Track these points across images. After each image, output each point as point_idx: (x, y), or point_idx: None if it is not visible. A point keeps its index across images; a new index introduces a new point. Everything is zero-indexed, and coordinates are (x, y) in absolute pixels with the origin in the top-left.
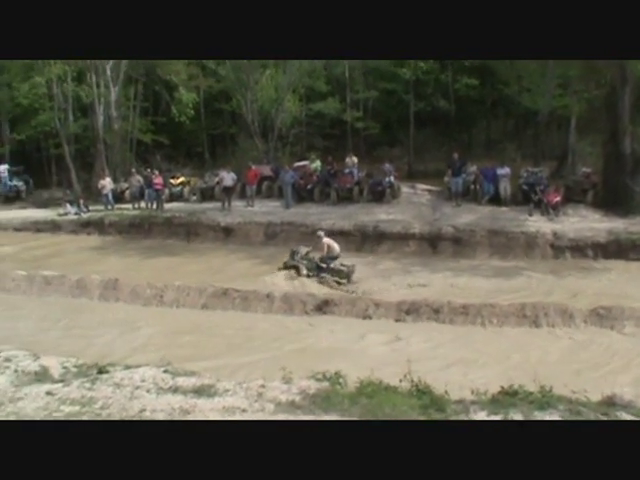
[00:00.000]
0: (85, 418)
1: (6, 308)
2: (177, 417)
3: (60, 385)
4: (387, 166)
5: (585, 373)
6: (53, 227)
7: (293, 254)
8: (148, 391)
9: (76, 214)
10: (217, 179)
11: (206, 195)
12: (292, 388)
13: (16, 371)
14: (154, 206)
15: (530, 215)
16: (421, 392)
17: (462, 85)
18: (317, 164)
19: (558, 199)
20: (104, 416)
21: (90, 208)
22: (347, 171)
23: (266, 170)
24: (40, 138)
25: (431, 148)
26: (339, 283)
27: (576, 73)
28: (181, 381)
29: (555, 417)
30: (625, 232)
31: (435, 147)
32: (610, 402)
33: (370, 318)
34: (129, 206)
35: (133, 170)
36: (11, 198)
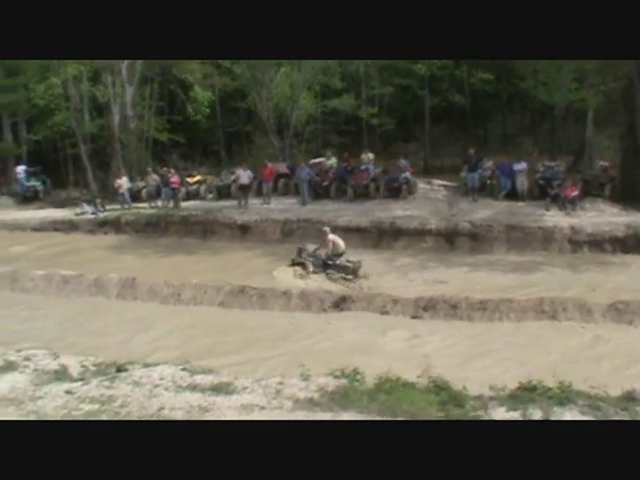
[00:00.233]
0: (104, 416)
1: (25, 308)
2: (195, 415)
3: (79, 384)
4: (403, 162)
5: (604, 368)
6: (70, 227)
7: (300, 251)
8: (167, 389)
9: (93, 213)
10: (233, 177)
11: (222, 193)
12: (310, 385)
13: (36, 370)
14: (170, 205)
15: (547, 210)
16: (439, 388)
17: (477, 80)
18: (333, 161)
19: (575, 193)
20: (123, 414)
21: (107, 207)
22: (363, 168)
23: (282, 167)
24: (56, 138)
25: (447, 143)
26: (345, 279)
27: (592, 67)
28: (199, 379)
29: (575, 412)
30: None
31: (451, 142)
32: (630, 397)
33: (388, 314)
34: (146, 205)
35: (149, 169)
36: (29, 198)
